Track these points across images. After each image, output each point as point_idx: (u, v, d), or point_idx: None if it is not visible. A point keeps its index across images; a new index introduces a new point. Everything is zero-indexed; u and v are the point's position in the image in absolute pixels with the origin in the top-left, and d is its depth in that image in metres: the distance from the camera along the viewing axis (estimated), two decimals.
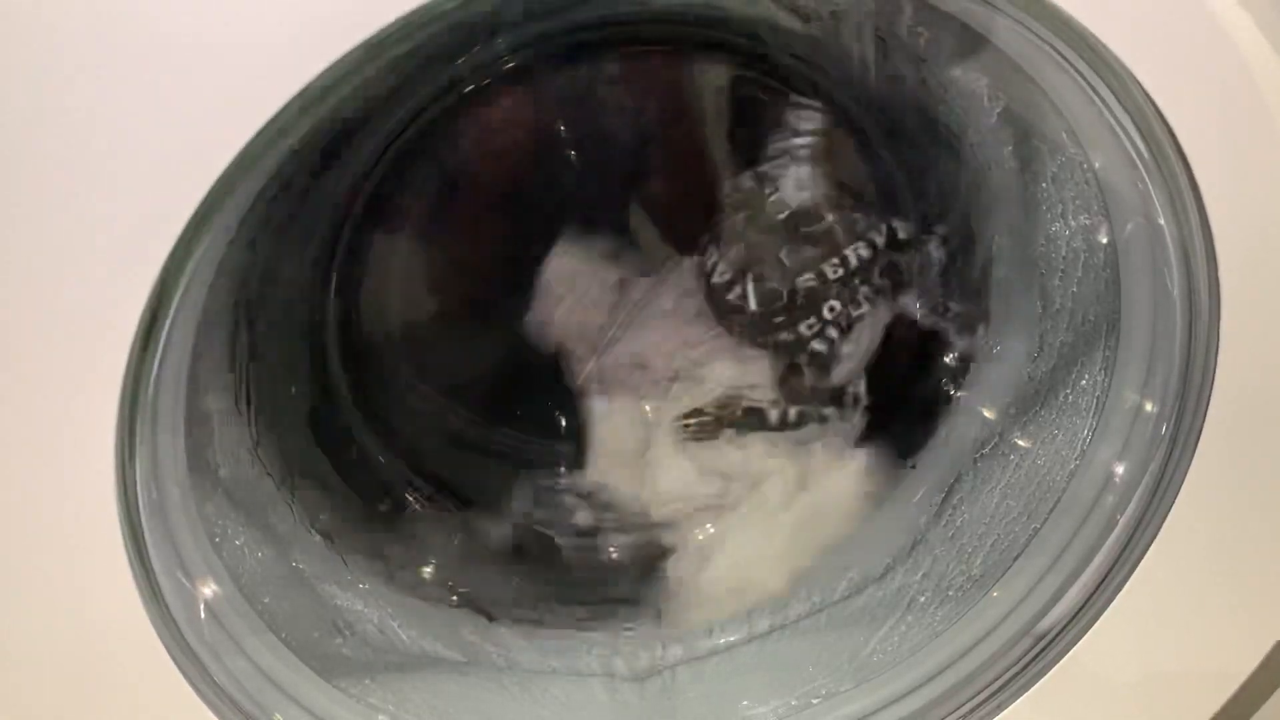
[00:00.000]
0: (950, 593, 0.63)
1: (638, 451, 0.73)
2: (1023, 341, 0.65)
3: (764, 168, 0.69)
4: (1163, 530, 0.54)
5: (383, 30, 0.41)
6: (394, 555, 0.68)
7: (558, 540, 0.74)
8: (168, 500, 0.50)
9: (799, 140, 0.68)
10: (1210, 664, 0.56)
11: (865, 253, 0.70)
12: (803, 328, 0.71)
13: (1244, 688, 0.55)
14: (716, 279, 0.71)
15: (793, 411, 0.72)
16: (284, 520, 0.61)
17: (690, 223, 0.71)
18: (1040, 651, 0.57)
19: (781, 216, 0.69)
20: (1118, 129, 0.50)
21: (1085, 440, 0.60)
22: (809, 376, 0.72)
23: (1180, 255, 0.52)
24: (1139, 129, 0.49)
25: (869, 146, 0.74)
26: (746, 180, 0.70)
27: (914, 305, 0.71)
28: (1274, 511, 0.54)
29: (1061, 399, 0.62)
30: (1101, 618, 0.55)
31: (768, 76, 0.70)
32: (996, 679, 0.58)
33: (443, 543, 0.72)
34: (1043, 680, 0.56)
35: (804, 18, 0.62)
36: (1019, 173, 0.61)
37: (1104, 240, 0.57)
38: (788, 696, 0.62)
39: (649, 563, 0.75)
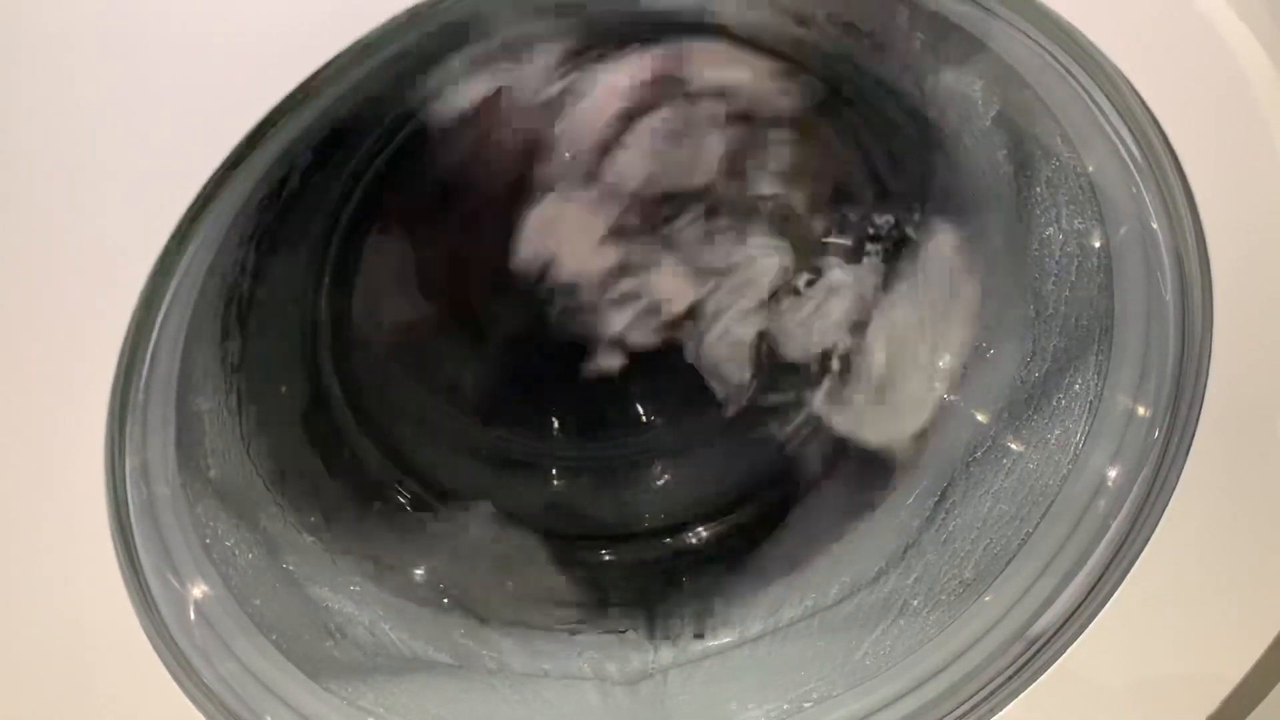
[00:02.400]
0: (943, 597, 0.62)
1: None
2: (1016, 345, 0.65)
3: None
4: (1155, 534, 0.54)
5: (375, 30, 0.41)
6: (385, 557, 0.67)
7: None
8: (158, 501, 0.50)
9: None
10: (1203, 668, 0.56)
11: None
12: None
13: (1236, 692, 0.55)
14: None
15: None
16: (275, 521, 0.61)
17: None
18: (1033, 656, 0.57)
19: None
20: (1112, 133, 0.50)
21: (1078, 444, 0.60)
22: None
23: (1173, 259, 0.52)
24: (1133, 133, 0.49)
25: (864, 151, 0.74)
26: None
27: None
28: (1266, 516, 0.54)
29: (1054, 403, 0.62)
30: (1094, 622, 0.55)
31: None
32: (989, 683, 0.58)
33: (435, 544, 0.72)
34: (1035, 684, 0.56)
35: (799, 22, 0.62)
36: (1013, 177, 0.61)
37: (1097, 244, 0.57)
38: (780, 700, 0.62)
39: (644, 566, 0.75)
